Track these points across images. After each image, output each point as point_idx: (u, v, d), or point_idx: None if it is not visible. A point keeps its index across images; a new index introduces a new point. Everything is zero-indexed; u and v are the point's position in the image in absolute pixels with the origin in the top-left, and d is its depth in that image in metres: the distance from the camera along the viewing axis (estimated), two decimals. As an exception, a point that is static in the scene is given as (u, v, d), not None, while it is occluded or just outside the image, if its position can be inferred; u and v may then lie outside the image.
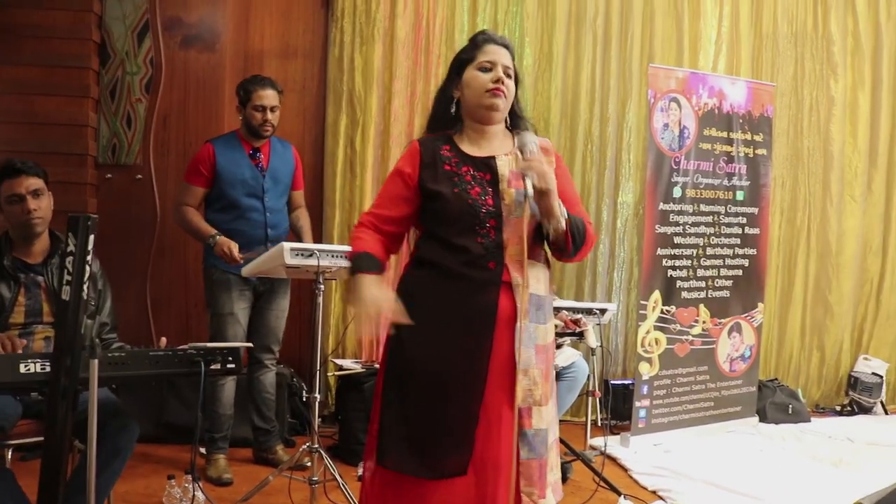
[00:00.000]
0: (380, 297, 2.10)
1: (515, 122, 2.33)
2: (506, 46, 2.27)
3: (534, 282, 2.19)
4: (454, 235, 2.15)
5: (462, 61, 2.27)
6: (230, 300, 3.90)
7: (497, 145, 2.27)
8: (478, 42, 2.27)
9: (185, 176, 4.01)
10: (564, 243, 2.16)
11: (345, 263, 3.39)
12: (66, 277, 2.23)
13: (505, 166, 2.21)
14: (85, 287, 2.23)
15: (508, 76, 2.23)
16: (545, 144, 2.29)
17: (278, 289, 4.07)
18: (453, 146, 2.25)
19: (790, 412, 5.22)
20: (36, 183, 2.90)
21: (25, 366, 2.25)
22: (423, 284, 2.20)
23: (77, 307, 2.21)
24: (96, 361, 2.13)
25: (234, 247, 3.79)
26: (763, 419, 5.15)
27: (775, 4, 5.60)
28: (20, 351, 2.58)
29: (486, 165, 2.21)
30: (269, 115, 3.93)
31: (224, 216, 3.94)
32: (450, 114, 2.29)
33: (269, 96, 3.92)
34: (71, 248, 2.22)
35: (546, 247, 2.29)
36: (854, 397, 5.62)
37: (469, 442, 2.09)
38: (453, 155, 2.23)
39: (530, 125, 2.36)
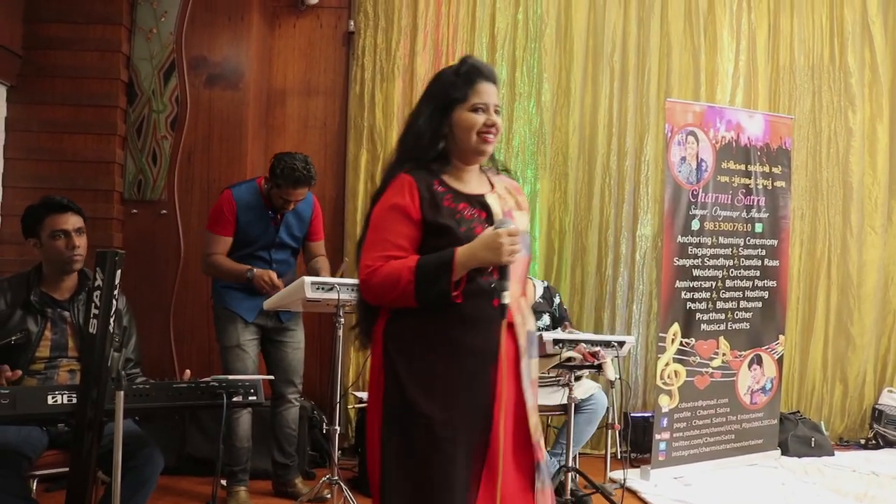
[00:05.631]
0: (488, 233, 2.00)
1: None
2: (494, 81, 2.17)
3: (529, 318, 2.17)
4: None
5: (453, 99, 2.13)
6: (236, 332, 3.91)
7: (476, 183, 2.22)
8: (470, 78, 2.13)
9: (210, 226, 3.94)
10: None
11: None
12: (94, 311, 2.27)
13: (496, 205, 2.16)
14: (111, 321, 2.28)
15: (497, 113, 2.15)
16: (513, 187, 2.30)
17: (290, 323, 4.06)
18: (442, 182, 2.14)
19: (813, 445, 5.16)
20: (79, 221, 2.97)
21: (53, 397, 2.29)
22: (421, 325, 2.08)
23: (104, 340, 2.26)
24: (122, 393, 2.18)
25: (273, 274, 3.80)
26: (785, 452, 5.10)
27: (792, 37, 5.64)
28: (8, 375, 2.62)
29: (480, 203, 2.15)
30: (292, 204, 3.90)
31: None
32: (434, 150, 2.17)
33: (300, 194, 3.86)
34: (98, 282, 2.26)
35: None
36: (878, 430, 5.55)
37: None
38: (446, 191, 2.13)
39: (498, 163, 2.33)
